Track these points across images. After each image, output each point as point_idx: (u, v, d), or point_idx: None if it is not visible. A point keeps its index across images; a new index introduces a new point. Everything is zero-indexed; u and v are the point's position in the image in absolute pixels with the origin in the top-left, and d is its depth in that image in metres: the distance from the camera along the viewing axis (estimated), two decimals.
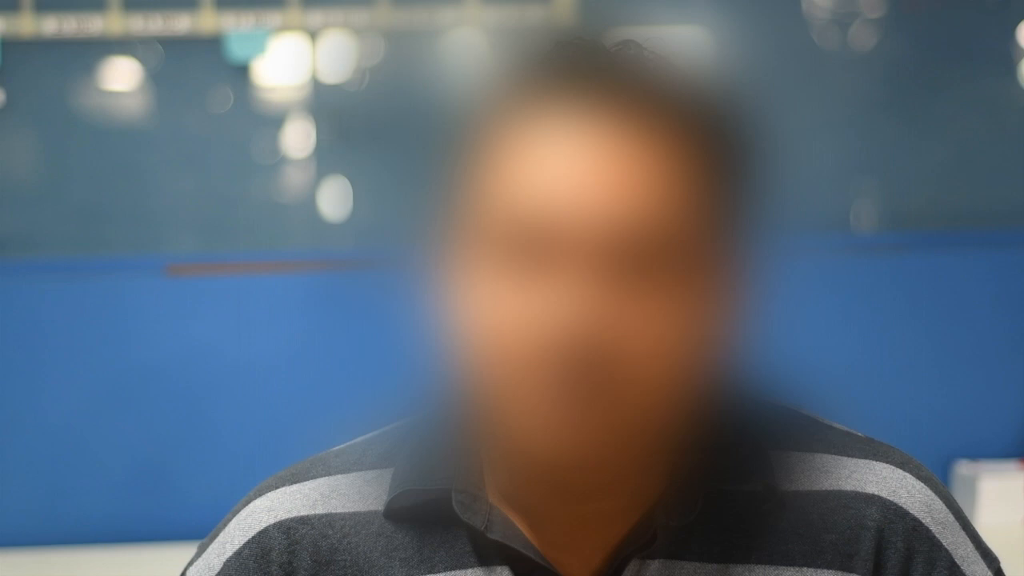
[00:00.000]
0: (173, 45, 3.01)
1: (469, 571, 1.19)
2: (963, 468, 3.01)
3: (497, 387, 1.11)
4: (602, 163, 1.09)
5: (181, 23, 3.00)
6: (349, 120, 3.03)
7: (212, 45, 3.01)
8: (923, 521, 1.20)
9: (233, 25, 3.00)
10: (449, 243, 1.13)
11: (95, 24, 2.98)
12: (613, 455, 1.12)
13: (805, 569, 1.19)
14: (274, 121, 3.04)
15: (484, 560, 1.19)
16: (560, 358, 1.08)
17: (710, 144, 1.12)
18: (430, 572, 1.19)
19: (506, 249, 1.10)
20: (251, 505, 1.24)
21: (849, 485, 1.20)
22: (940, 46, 3.12)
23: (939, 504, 1.21)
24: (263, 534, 1.22)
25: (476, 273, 1.11)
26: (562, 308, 1.08)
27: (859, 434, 1.24)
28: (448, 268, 1.13)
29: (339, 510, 1.22)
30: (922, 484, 1.21)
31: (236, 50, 3.00)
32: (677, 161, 1.10)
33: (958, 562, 1.20)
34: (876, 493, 1.20)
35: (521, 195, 1.10)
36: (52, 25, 2.98)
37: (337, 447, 1.27)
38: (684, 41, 3.00)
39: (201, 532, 1.28)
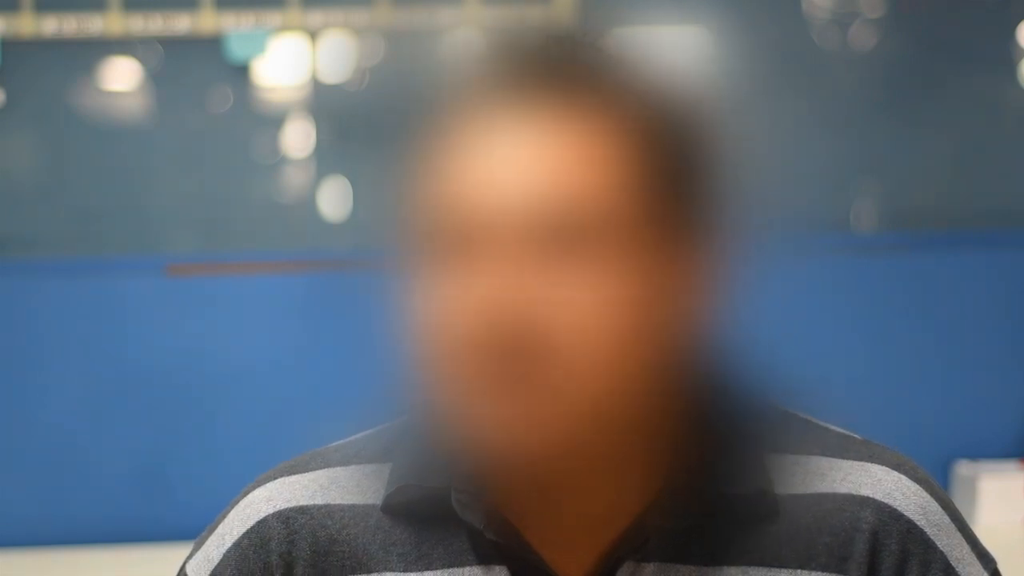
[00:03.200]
0: (173, 45, 3.01)
1: (467, 569, 1.19)
2: (963, 468, 3.01)
3: (440, 382, 1.10)
4: (524, 147, 1.09)
5: (181, 23, 3.00)
6: (349, 120, 3.03)
7: (212, 45, 3.01)
8: (918, 523, 1.20)
9: (233, 25, 3.00)
10: (404, 240, 1.13)
11: (95, 24, 2.98)
12: (570, 446, 1.11)
13: (799, 571, 1.18)
14: (274, 121, 3.04)
15: (482, 559, 1.19)
16: (487, 342, 1.07)
17: (646, 128, 1.11)
18: (428, 568, 1.19)
19: (440, 240, 1.10)
20: (250, 496, 1.24)
21: (844, 487, 1.20)
22: (940, 46, 3.12)
23: (934, 506, 1.21)
24: (262, 524, 1.22)
25: (421, 268, 1.11)
26: (484, 291, 1.08)
27: (855, 436, 1.24)
28: (405, 265, 1.13)
29: (338, 501, 1.22)
30: (917, 486, 1.21)
31: (236, 50, 3.00)
32: (605, 142, 1.09)
33: (953, 564, 1.20)
34: (870, 495, 1.20)
35: (449, 184, 1.10)
36: (52, 25, 2.98)
37: (336, 442, 1.27)
38: (684, 41, 3.00)
39: (200, 532, 1.28)
